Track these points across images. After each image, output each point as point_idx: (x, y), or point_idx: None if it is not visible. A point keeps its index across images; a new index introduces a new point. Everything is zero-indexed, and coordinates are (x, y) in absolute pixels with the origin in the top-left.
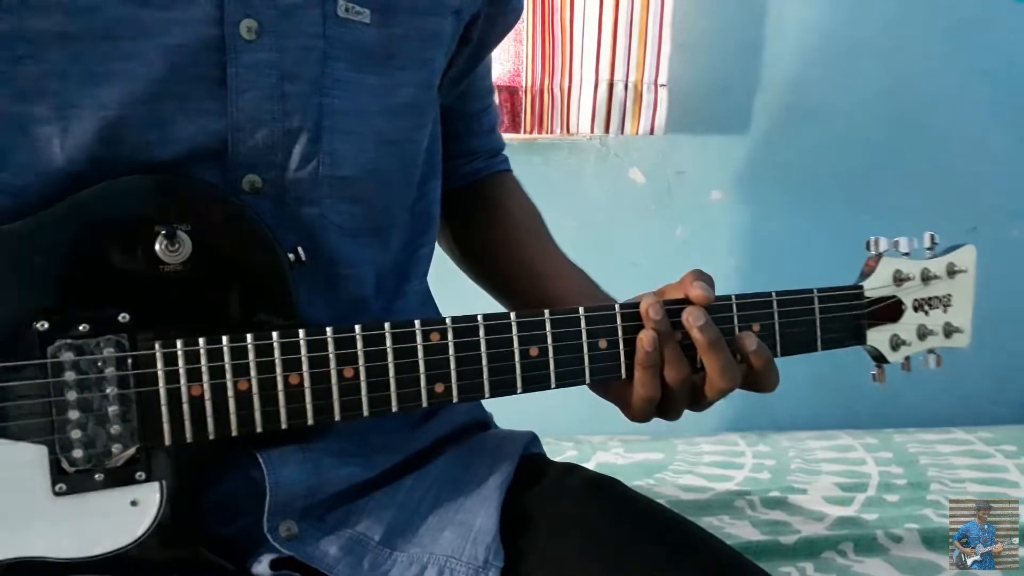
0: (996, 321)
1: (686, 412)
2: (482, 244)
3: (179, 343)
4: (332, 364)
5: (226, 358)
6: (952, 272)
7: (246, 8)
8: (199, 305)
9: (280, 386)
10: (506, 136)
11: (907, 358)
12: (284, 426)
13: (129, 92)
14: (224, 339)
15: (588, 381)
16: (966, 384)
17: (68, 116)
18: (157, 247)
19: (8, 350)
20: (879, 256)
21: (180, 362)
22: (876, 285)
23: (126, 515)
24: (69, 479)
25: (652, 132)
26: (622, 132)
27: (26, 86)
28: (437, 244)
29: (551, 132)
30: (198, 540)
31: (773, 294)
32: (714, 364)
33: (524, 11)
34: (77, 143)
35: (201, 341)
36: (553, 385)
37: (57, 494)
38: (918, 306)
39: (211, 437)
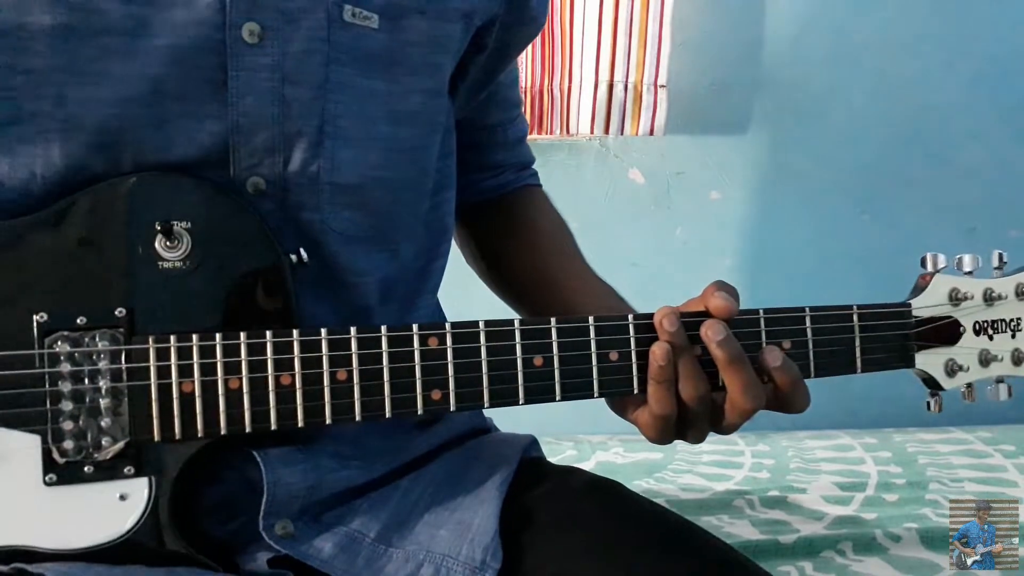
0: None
1: None
2: (507, 256)
3: (172, 339)
4: (325, 366)
5: (218, 355)
6: (1022, 293)
7: (249, 11)
8: (197, 302)
9: (271, 386)
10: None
11: (969, 386)
12: (274, 426)
13: (129, 92)
14: (217, 336)
15: (596, 394)
16: None
17: (68, 114)
18: (156, 243)
19: (8, 341)
20: (935, 272)
21: (172, 357)
22: (928, 303)
23: (114, 509)
24: (59, 470)
25: (652, 133)
26: (622, 133)
27: (25, 81)
28: (455, 265)
29: (551, 133)
30: (189, 537)
31: (807, 309)
32: (735, 382)
33: None
34: (77, 141)
35: (194, 337)
36: (558, 397)
37: (47, 484)
38: (980, 329)
39: (200, 435)
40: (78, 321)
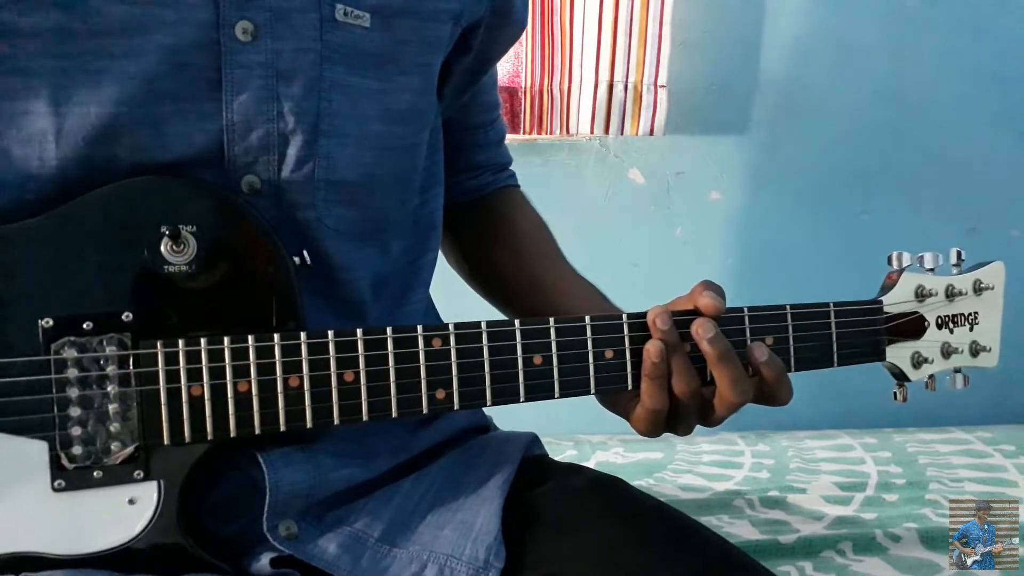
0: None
1: None
2: (490, 260)
3: (181, 343)
4: (332, 367)
5: (227, 359)
6: (979, 289)
7: (242, 10)
8: (203, 306)
9: (280, 388)
10: (506, 137)
11: (931, 376)
12: (283, 428)
13: (124, 91)
14: (225, 340)
15: (593, 391)
16: None
17: (63, 113)
18: (162, 248)
19: (14, 347)
20: (901, 271)
21: (181, 361)
22: (896, 300)
23: (123, 513)
24: (68, 475)
25: (652, 133)
26: (622, 133)
27: (20, 81)
28: (445, 261)
29: (551, 133)
30: (196, 539)
31: (787, 307)
32: (724, 377)
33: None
34: (72, 141)
35: (203, 341)
36: (557, 394)
37: (56, 490)
38: (942, 323)
39: (209, 438)
40: (84, 326)
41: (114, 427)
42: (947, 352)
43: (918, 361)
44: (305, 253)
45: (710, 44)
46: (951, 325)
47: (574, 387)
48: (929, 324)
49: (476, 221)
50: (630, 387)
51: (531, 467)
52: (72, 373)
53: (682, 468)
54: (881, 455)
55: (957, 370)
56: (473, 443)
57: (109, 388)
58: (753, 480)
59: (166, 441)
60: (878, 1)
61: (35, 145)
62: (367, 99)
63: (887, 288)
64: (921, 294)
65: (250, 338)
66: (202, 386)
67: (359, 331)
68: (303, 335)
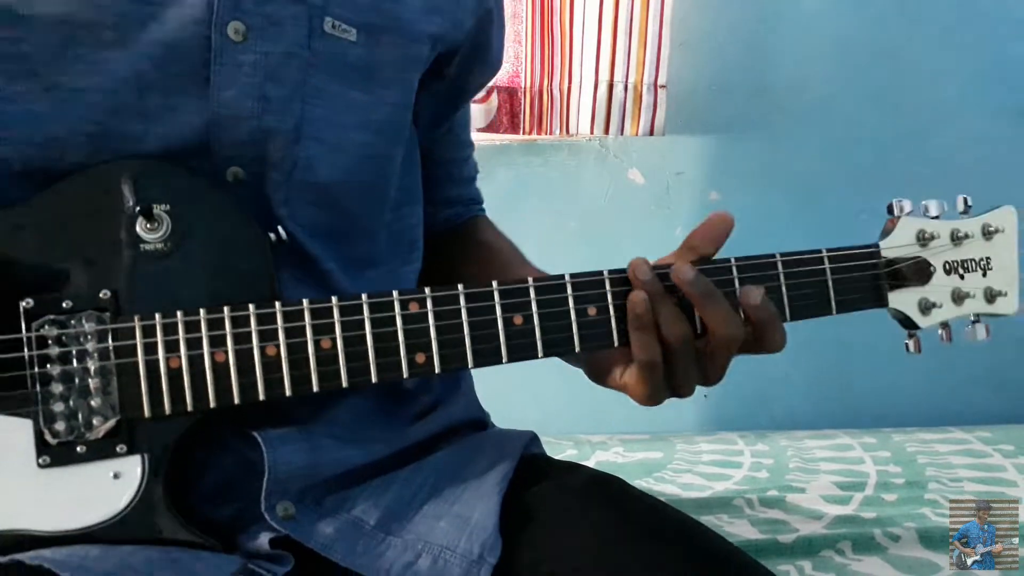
0: (995, 321)
1: (686, 408)
2: (464, 277)
3: (158, 316)
4: (309, 335)
5: (203, 330)
6: (988, 233)
7: (235, 11)
8: (180, 281)
9: (257, 357)
10: (506, 137)
11: (945, 325)
12: (262, 397)
13: (118, 82)
14: (202, 311)
15: (578, 348)
16: (964, 383)
17: (56, 98)
18: (137, 226)
19: None
20: (900, 216)
21: (159, 334)
22: (895, 244)
23: (108, 487)
24: (52, 451)
25: (651, 133)
26: (621, 133)
27: (18, 66)
28: None
29: (550, 133)
30: (185, 516)
31: (777, 255)
32: (714, 316)
33: (524, 12)
34: (63, 128)
35: (179, 313)
36: (540, 354)
37: (41, 466)
38: (950, 269)
39: (189, 409)
40: (64, 305)
41: (95, 402)
42: (958, 297)
43: (926, 306)
44: (280, 229)
45: (710, 44)
46: (960, 271)
47: (558, 346)
48: (936, 269)
49: (447, 246)
50: (616, 344)
51: (529, 465)
52: (53, 351)
53: (681, 468)
54: (880, 455)
55: (976, 320)
56: (472, 438)
57: (89, 364)
58: (752, 480)
59: (146, 413)
60: (878, 1)
61: (23, 130)
62: (348, 108)
63: (885, 233)
64: (923, 238)
65: (226, 308)
66: (179, 357)
67: (334, 298)
68: (278, 304)
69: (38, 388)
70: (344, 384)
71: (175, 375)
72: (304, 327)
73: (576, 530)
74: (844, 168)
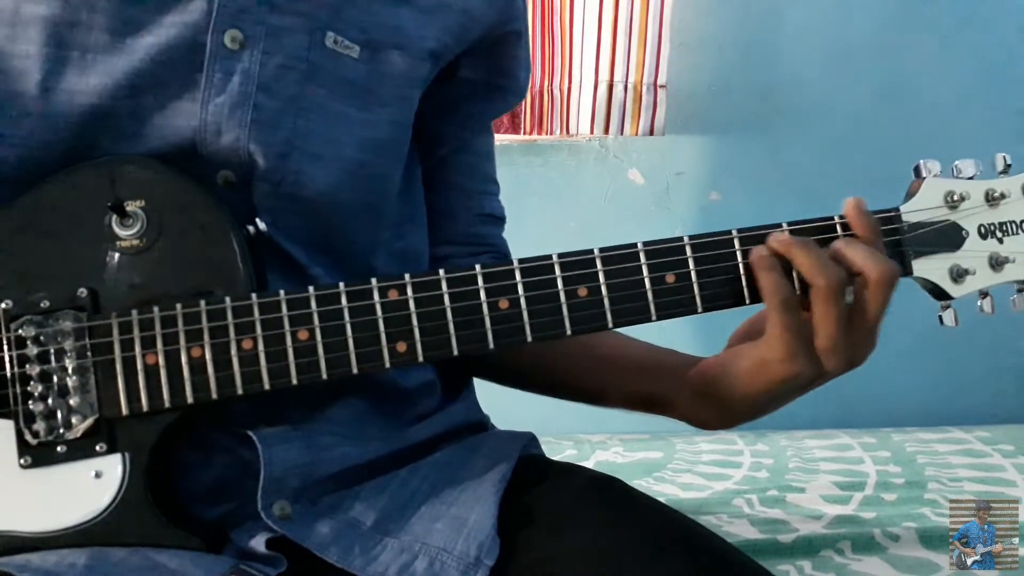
0: (995, 320)
1: None
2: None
3: (134, 312)
4: (286, 326)
5: (179, 324)
6: None
7: (234, 19)
8: (157, 277)
9: (233, 351)
10: (506, 137)
11: (986, 295)
12: (240, 391)
13: (111, 85)
14: (178, 306)
15: (570, 332)
16: (964, 383)
17: (50, 98)
18: (112, 224)
19: None
20: (925, 178)
21: (135, 330)
22: (920, 207)
23: (90, 487)
24: (33, 452)
25: (651, 133)
26: (621, 133)
27: (13, 66)
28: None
29: (551, 133)
30: (177, 516)
31: (784, 224)
32: (860, 255)
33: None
34: (54, 128)
35: (155, 309)
36: (529, 338)
37: (23, 467)
38: (987, 232)
39: (167, 405)
40: (42, 305)
41: (74, 401)
42: (997, 263)
43: (958, 273)
44: (258, 221)
45: (710, 44)
46: (998, 233)
47: (548, 329)
48: (969, 233)
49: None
50: (610, 325)
51: (528, 466)
52: (32, 351)
53: (681, 468)
54: (880, 455)
55: (1022, 288)
56: (470, 440)
57: (67, 363)
58: (752, 479)
59: (124, 411)
60: (878, 1)
61: (16, 129)
62: (345, 125)
63: (909, 195)
64: (952, 200)
65: (202, 302)
66: (155, 353)
67: (311, 288)
68: (254, 296)
69: (18, 389)
70: (324, 376)
71: (152, 371)
72: (282, 318)
73: (575, 531)
74: (844, 168)
